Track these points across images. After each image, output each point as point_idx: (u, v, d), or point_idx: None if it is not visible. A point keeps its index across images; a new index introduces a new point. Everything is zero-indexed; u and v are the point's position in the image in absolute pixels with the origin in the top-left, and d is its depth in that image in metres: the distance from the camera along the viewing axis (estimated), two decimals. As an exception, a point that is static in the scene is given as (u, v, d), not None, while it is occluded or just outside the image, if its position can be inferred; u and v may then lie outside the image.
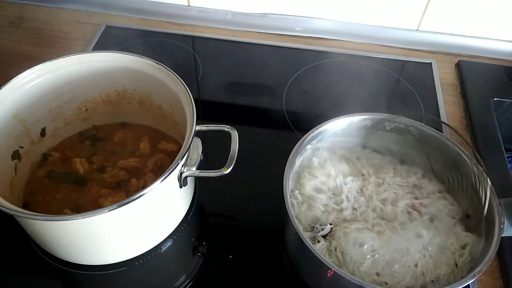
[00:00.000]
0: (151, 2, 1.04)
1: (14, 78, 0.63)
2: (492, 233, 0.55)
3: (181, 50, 0.97)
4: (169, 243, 0.66)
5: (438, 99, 0.90)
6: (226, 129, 0.63)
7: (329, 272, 0.51)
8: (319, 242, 0.58)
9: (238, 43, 1.00)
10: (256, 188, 0.74)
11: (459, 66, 0.96)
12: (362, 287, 0.50)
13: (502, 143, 0.80)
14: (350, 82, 0.91)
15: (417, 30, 1.00)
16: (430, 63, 0.98)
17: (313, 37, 1.02)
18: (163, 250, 0.65)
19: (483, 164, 0.59)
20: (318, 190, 0.64)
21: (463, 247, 0.58)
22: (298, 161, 0.65)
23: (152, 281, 0.64)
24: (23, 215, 0.51)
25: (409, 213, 0.62)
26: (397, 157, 0.69)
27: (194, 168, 0.59)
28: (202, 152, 0.61)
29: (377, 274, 0.56)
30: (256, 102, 0.89)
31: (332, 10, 1.00)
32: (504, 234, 0.55)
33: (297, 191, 0.63)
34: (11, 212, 0.51)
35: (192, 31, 1.02)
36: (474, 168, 0.60)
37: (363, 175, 0.66)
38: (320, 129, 0.65)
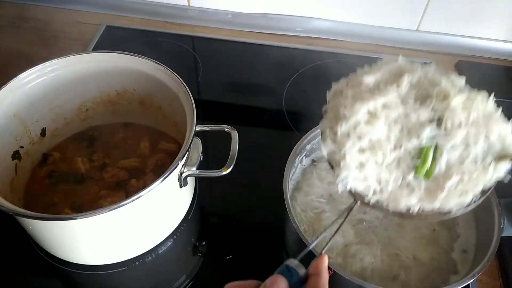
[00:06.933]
0: (151, 2, 1.04)
1: (14, 78, 0.63)
2: (492, 233, 0.55)
3: (181, 50, 0.98)
4: (169, 243, 0.66)
5: (438, 99, 0.90)
6: (226, 129, 0.63)
7: (329, 272, 0.51)
8: None
9: (238, 43, 1.00)
10: (256, 188, 0.74)
11: (459, 66, 0.96)
12: (362, 287, 0.50)
13: (502, 143, 0.79)
14: (350, 82, 0.91)
15: (417, 30, 1.00)
16: (430, 63, 0.98)
17: (313, 37, 1.02)
18: (163, 250, 0.65)
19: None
20: None
21: None
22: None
23: (152, 281, 0.64)
24: (23, 215, 0.51)
25: None
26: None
27: (194, 168, 0.59)
28: (202, 152, 0.61)
29: None
30: (256, 102, 0.89)
31: (332, 10, 1.00)
32: (504, 234, 0.55)
33: None
34: (11, 212, 0.51)
35: (192, 31, 1.02)
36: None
37: None
38: (320, 129, 0.65)
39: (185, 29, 1.03)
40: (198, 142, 0.62)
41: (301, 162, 0.67)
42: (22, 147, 0.66)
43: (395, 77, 0.49)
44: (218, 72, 0.94)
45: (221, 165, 0.59)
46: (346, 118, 0.47)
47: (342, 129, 0.47)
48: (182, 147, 0.57)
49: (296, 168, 0.66)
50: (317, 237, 0.47)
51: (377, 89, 0.48)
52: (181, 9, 1.04)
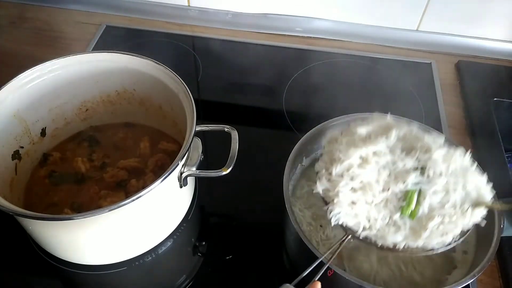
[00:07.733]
0: (151, 2, 1.04)
1: (14, 78, 0.63)
2: (492, 233, 0.55)
3: (181, 50, 0.98)
4: (169, 243, 0.66)
5: (438, 99, 0.90)
6: (226, 129, 0.63)
7: (329, 272, 0.51)
8: None
9: (238, 43, 1.00)
10: (256, 189, 0.74)
11: (459, 66, 0.96)
12: (362, 287, 0.50)
13: (502, 143, 0.80)
14: (350, 82, 0.91)
15: (417, 30, 1.00)
16: (430, 63, 0.98)
17: (313, 37, 1.02)
18: (163, 250, 0.65)
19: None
20: None
21: None
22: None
23: (152, 281, 0.64)
24: (23, 215, 0.51)
25: None
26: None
27: (194, 168, 0.59)
28: (202, 152, 0.61)
29: None
30: (256, 102, 0.89)
31: (332, 10, 1.00)
32: (504, 234, 0.55)
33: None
34: (11, 212, 0.51)
35: (192, 31, 1.02)
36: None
37: None
38: (320, 129, 0.65)
39: (185, 29, 1.02)
40: (198, 142, 0.62)
41: (301, 162, 0.67)
42: (22, 147, 0.66)
43: (385, 130, 0.56)
44: (218, 72, 0.94)
45: (221, 165, 0.59)
46: (340, 160, 0.53)
47: (336, 170, 0.53)
48: (182, 147, 0.57)
49: (296, 168, 0.66)
50: (311, 265, 0.51)
51: (368, 139, 0.55)
52: (181, 9, 1.04)
